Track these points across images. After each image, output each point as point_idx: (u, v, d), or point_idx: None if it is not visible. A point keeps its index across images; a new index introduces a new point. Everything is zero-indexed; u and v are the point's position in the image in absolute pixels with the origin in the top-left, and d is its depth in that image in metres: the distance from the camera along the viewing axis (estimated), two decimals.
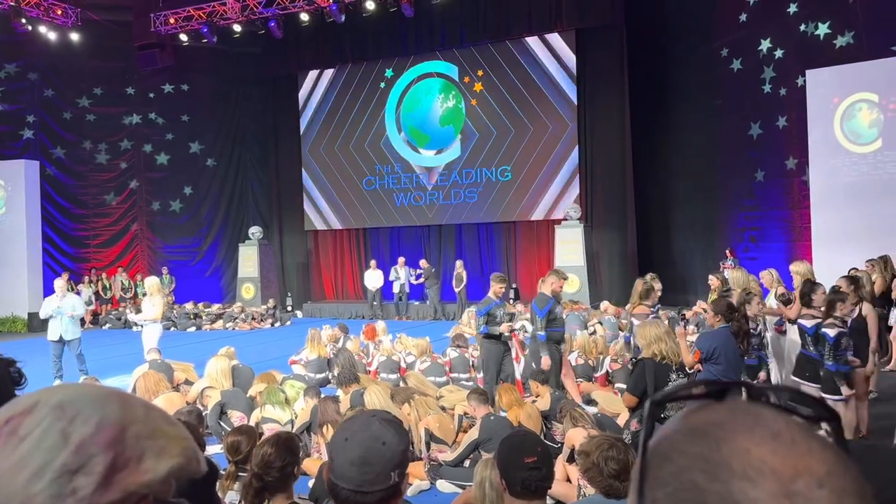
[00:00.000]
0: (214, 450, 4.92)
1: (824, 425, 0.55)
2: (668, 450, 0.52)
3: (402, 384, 7.31)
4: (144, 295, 17.39)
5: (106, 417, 0.64)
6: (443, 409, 6.35)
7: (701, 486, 0.50)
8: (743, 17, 14.44)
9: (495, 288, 7.51)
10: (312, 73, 19.85)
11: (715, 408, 0.54)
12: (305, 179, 20.13)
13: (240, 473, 3.41)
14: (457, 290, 16.83)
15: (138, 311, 11.16)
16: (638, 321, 6.37)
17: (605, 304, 13.55)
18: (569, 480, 4.99)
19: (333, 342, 10.07)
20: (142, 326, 10.37)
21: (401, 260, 17.71)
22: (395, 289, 17.34)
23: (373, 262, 17.83)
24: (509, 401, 5.98)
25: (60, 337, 9.80)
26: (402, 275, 17.29)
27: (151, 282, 10.43)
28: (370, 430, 1.40)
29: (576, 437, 4.76)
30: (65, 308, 9.82)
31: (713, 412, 0.53)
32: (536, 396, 6.56)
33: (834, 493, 0.48)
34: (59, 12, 18.02)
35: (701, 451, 0.50)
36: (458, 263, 17.15)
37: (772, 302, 7.65)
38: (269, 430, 5.50)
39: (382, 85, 19.14)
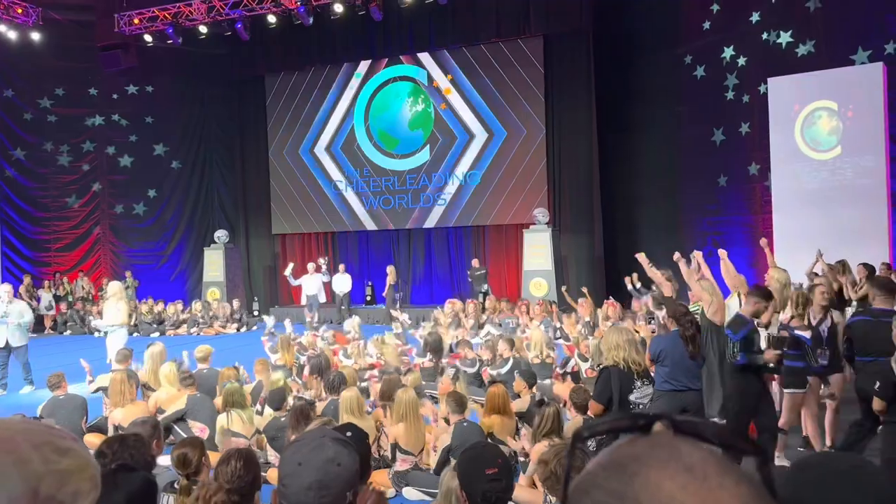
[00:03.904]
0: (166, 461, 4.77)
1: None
2: (587, 485, 0.53)
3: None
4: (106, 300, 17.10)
5: (12, 493, 0.60)
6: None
7: None
8: (706, 24, 14.68)
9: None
10: (280, 76, 19.69)
11: (638, 441, 0.54)
12: (273, 182, 19.96)
13: (194, 487, 3.36)
14: (384, 293, 16.87)
15: (99, 315, 11.00)
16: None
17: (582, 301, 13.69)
18: (535, 486, 5.00)
19: (312, 348, 9.90)
20: (105, 333, 10.18)
21: (341, 267, 17.51)
22: (303, 300, 16.33)
23: (341, 267, 17.72)
24: (494, 406, 5.87)
25: (7, 343, 9.61)
26: (313, 283, 16.15)
27: (115, 286, 10.25)
28: (324, 452, 1.38)
29: (540, 449, 4.77)
30: (11, 315, 9.63)
31: (635, 446, 0.54)
32: (518, 394, 6.59)
33: None
34: (20, 11, 17.63)
35: (615, 486, 0.51)
36: (390, 269, 17.05)
37: (734, 305, 7.73)
38: (235, 443, 5.41)
39: (351, 88, 19.07)
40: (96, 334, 16.52)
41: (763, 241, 8.88)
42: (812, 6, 12.91)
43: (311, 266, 16.17)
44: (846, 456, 1.20)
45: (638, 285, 12.89)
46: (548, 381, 8.40)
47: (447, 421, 5.74)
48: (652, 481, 0.50)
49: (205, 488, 3.00)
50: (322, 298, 15.87)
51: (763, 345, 5.50)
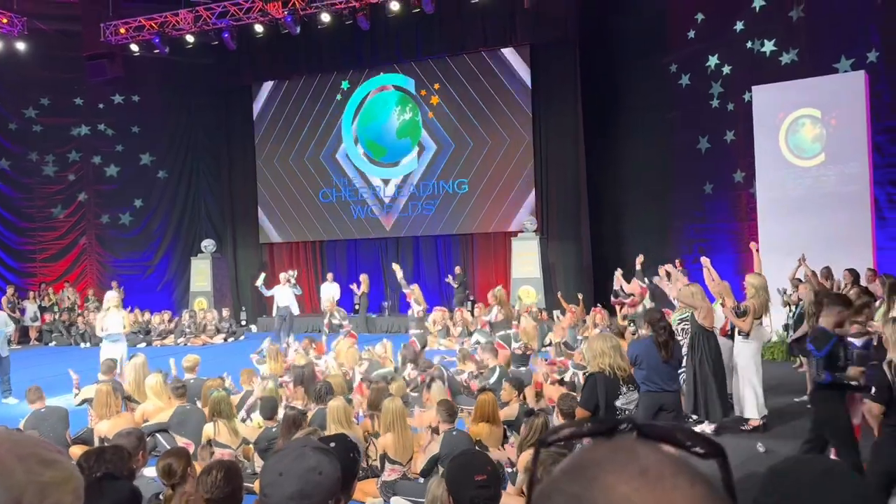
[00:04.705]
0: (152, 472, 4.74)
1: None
2: (550, 489, 0.54)
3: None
4: (96, 310, 16.98)
5: None
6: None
7: None
8: (691, 33, 14.79)
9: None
10: (267, 85, 19.69)
11: (600, 446, 0.56)
12: (260, 192, 19.92)
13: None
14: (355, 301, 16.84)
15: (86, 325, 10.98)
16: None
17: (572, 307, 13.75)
18: (523, 494, 5.00)
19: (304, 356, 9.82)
20: (96, 344, 10.17)
21: (329, 276, 17.27)
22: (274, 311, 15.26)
23: (329, 276, 17.68)
24: (483, 414, 5.88)
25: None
26: (285, 295, 14.91)
27: (114, 297, 10.31)
28: (305, 461, 1.37)
29: (526, 457, 4.79)
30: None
31: (596, 450, 0.55)
32: (507, 402, 6.60)
33: None
34: (5, 21, 17.55)
35: (575, 490, 0.52)
36: (363, 277, 17.02)
37: (718, 312, 7.78)
38: (219, 454, 5.38)
39: (339, 97, 19.09)
40: (82, 345, 16.41)
41: (753, 245, 8.92)
42: (795, 15, 13.06)
43: (282, 276, 15.32)
44: (817, 458, 1.22)
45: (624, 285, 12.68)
46: (522, 369, 8.49)
47: (436, 430, 5.74)
48: (609, 485, 0.51)
49: (185, 497, 2.99)
50: (295, 311, 14.90)
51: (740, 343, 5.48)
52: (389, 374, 8.53)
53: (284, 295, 14.67)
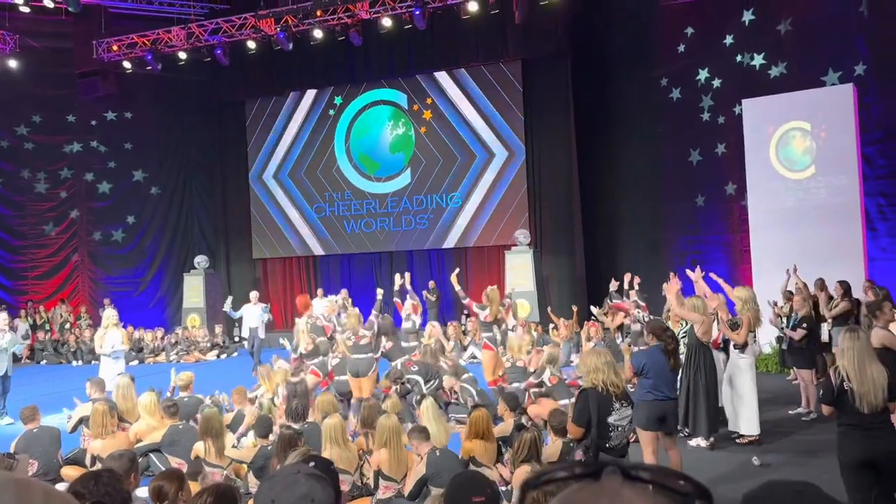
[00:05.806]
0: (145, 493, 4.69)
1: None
2: None
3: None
4: (89, 327, 16.90)
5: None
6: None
7: None
8: (681, 48, 14.91)
9: None
10: (260, 101, 19.72)
11: (585, 489, 0.56)
12: (253, 207, 19.91)
13: None
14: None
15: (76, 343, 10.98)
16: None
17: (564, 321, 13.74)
18: None
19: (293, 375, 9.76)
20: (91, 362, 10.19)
21: (319, 291, 16.28)
22: (245, 332, 13.96)
23: (319, 291, 17.59)
24: (477, 431, 5.83)
25: (6, 372, 9.65)
26: (254, 315, 13.74)
27: (113, 315, 10.38)
28: (298, 489, 1.36)
29: (520, 475, 4.77)
30: (10, 343, 9.75)
31: (581, 494, 0.55)
32: (500, 417, 6.58)
33: None
34: None
35: None
36: (344, 292, 16.83)
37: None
38: (212, 474, 5.34)
39: (332, 112, 19.14)
40: (74, 363, 16.31)
41: (697, 272, 8.37)
42: (783, 29, 13.18)
43: (253, 295, 14.36)
44: (788, 482, 1.23)
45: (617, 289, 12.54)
46: (515, 385, 8.48)
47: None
48: None
49: None
50: (262, 334, 13.78)
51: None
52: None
53: (253, 315, 13.75)
